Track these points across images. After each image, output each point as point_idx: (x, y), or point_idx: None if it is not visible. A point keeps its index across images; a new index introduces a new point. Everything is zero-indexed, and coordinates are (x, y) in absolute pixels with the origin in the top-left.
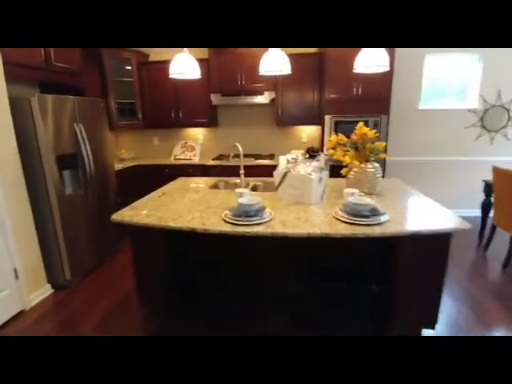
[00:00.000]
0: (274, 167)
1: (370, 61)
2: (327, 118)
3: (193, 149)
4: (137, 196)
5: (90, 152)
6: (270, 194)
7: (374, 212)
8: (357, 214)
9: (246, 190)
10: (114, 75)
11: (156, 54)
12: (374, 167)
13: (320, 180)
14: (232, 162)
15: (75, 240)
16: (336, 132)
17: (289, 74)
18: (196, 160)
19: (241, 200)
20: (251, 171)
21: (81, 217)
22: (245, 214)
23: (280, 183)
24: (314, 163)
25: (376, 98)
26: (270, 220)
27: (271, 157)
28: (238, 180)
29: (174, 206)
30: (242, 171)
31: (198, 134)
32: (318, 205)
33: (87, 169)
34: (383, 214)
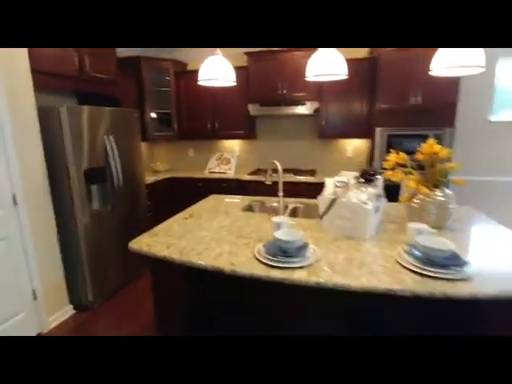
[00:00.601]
0: (316, 185)
1: (458, 60)
2: (378, 130)
3: (228, 162)
4: (168, 211)
5: (119, 165)
6: (312, 222)
7: (455, 260)
8: (430, 261)
9: (285, 220)
10: (152, 85)
11: (194, 62)
12: (444, 195)
13: (377, 210)
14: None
15: (100, 259)
16: (389, 147)
17: (334, 82)
18: (231, 174)
19: (278, 235)
20: (290, 188)
21: (107, 234)
22: (282, 252)
23: (326, 211)
24: (370, 189)
25: (438, 108)
26: (315, 262)
27: (312, 173)
28: (275, 203)
29: (200, 234)
30: (280, 193)
31: (234, 146)
32: (374, 240)
33: (115, 183)
34: (467, 263)
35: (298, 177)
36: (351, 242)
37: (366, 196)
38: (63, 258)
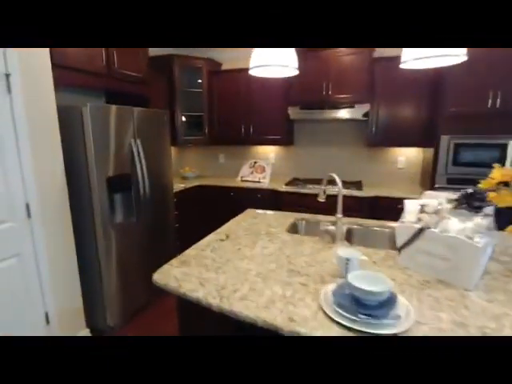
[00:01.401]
0: (364, 200)
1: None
2: (445, 138)
3: (263, 170)
4: (197, 222)
5: (146, 172)
6: (380, 253)
7: None
8: None
9: (355, 254)
10: (183, 85)
11: (229, 62)
12: None
13: (487, 248)
14: (309, 190)
15: (123, 277)
16: (456, 158)
17: (388, 83)
18: (265, 183)
19: (354, 280)
20: (332, 202)
21: (130, 249)
22: (360, 306)
23: (407, 244)
24: (478, 219)
25: None
26: (413, 327)
27: (358, 185)
28: (328, 224)
29: (241, 265)
30: (339, 215)
31: (268, 152)
32: (481, 290)
33: (141, 192)
34: None
35: (345, 190)
36: (449, 290)
37: (470, 227)
38: (81, 276)
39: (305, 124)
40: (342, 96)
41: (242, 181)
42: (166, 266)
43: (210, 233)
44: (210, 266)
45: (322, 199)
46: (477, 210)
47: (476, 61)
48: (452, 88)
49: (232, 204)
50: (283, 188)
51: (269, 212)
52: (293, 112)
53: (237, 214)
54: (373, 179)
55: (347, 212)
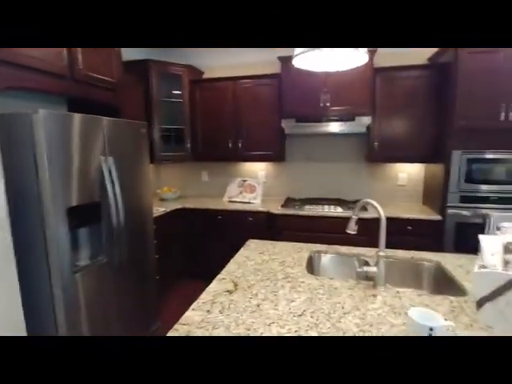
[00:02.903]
0: (370, 221)
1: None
2: (456, 154)
3: (253, 189)
4: (179, 252)
5: (120, 198)
6: (444, 303)
7: None
8: None
9: (440, 321)
10: (161, 94)
11: (212, 70)
12: None
13: None
14: (309, 212)
15: (92, 334)
16: (469, 174)
17: (390, 94)
18: (257, 204)
19: None
20: (332, 224)
21: (101, 297)
22: None
23: (493, 297)
24: None
25: None
26: None
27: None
28: (367, 266)
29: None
30: (381, 253)
31: (257, 170)
32: None
33: (114, 223)
34: None
35: (346, 211)
36: None
37: None
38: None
39: (298, 138)
40: (342, 108)
41: (230, 202)
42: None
43: (197, 265)
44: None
45: (352, 231)
46: None
47: (486, 71)
48: (461, 100)
49: (220, 229)
50: (279, 210)
51: (276, 243)
52: (287, 125)
53: (226, 241)
54: (373, 198)
55: (353, 236)
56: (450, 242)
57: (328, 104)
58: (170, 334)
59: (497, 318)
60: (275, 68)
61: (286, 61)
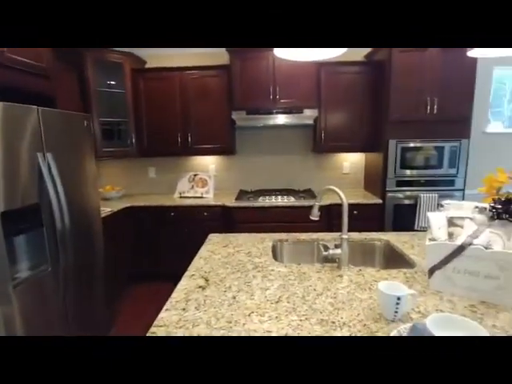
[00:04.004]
0: (320, 208)
1: None
2: (392, 143)
3: (204, 183)
4: (131, 254)
5: (63, 198)
6: (399, 276)
7: None
8: None
9: (405, 289)
10: (100, 84)
11: (155, 58)
12: None
13: None
14: (263, 203)
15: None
16: (403, 161)
17: (334, 87)
18: (210, 198)
19: (433, 327)
20: (285, 213)
21: (46, 313)
22: None
23: (442, 264)
24: None
25: (454, 117)
26: None
27: (309, 193)
28: (332, 249)
29: (252, 326)
30: (344, 235)
31: (208, 163)
32: None
33: (58, 227)
34: None
35: (299, 201)
36: (503, 314)
37: None
38: None
39: (248, 131)
40: (290, 101)
41: (182, 197)
42: None
43: (152, 266)
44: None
45: (315, 217)
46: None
47: (415, 68)
48: (395, 94)
49: (175, 226)
50: (234, 203)
51: (239, 236)
52: (238, 117)
53: (182, 238)
54: (321, 186)
55: (305, 223)
56: (390, 222)
57: (277, 97)
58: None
59: (445, 284)
60: (223, 59)
61: (234, 53)
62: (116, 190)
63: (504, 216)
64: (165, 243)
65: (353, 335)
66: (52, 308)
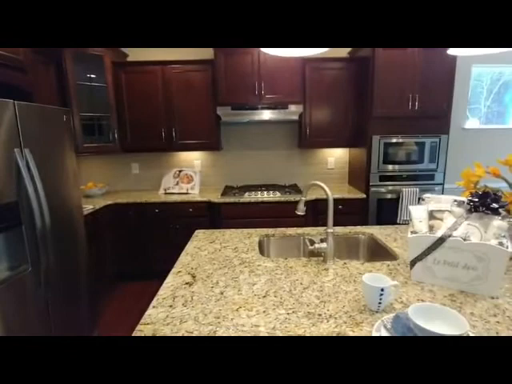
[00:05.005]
0: (306, 203)
1: None
2: (376, 138)
3: (190, 179)
4: (116, 253)
5: (42, 196)
6: (383, 268)
7: None
8: None
9: (388, 281)
10: (80, 78)
11: (136, 52)
12: None
13: None
14: (249, 198)
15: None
16: (386, 157)
17: (318, 82)
18: (196, 194)
19: (415, 316)
20: (269, 209)
21: (26, 315)
22: None
23: (422, 256)
24: (498, 223)
25: (434, 114)
26: None
27: (295, 188)
28: (318, 243)
29: (240, 321)
30: (330, 229)
31: (193, 159)
32: (505, 295)
33: (38, 225)
34: None
35: (285, 196)
36: (480, 302)
37: (494, 231)
38: None
39: (233, 127)
40: (275, 96)
41: (167, 194)
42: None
43: (137, 264)
44: (199, 332)
45: (301, 212)
46: (495, 211)
47: (398, 65)
48: (378, 91)
49: (160, 223)
50: (219, 199)
51: (225, 231)
52: (223, 113)
53: (167, 234)
54: (306, 181)
55: (291, 218)
56: (374, 216)
57: (263, 92)
58: (137, 334)
59: (426, 274)
60: (207, 53)
61: (220, 48)
62: (98, 186)
63: (481, 209)
64: (150, 240)
65: (338, 327)
66: (33, 309)
